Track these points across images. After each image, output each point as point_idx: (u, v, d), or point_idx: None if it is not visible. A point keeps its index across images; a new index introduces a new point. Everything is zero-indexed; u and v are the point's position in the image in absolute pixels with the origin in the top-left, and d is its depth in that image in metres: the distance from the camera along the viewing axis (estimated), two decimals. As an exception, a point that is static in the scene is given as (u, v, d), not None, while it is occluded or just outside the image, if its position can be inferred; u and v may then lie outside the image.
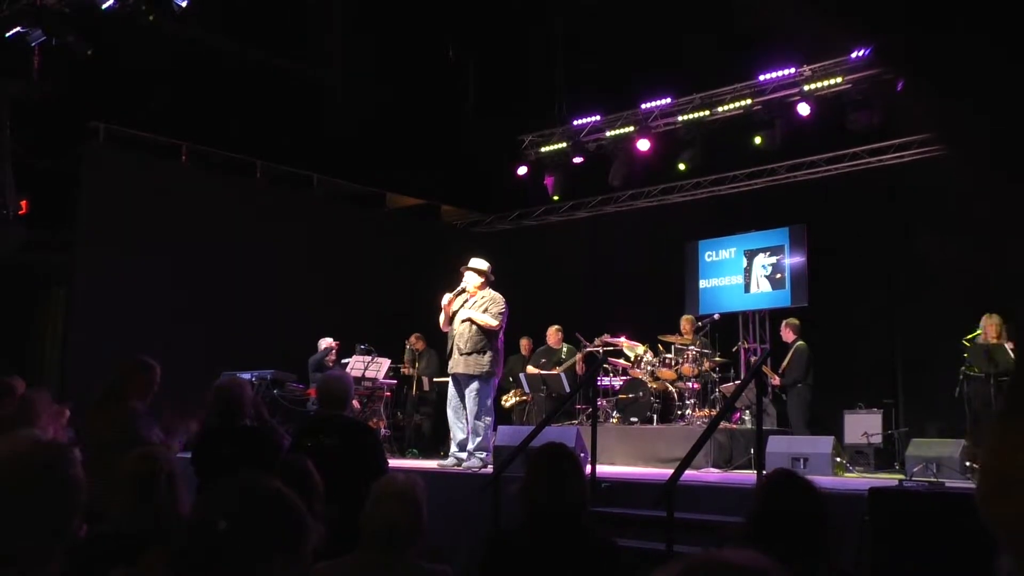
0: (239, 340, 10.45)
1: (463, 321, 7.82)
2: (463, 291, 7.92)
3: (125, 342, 9.98)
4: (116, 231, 10.30)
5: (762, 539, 2.59)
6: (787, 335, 10.03)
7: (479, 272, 7.92)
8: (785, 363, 9.82)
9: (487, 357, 7.74)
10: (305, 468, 3.22)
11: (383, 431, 10.13)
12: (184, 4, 7.82)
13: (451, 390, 8.02)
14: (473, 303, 7.86)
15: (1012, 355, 7.89)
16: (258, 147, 11.63)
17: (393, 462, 9.10)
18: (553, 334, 11.02)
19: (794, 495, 2.68)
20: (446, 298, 7.97)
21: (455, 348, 7.83)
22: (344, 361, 10.24)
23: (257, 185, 12.00)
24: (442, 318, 8.03)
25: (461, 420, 7.92)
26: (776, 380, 9.84)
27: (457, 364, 7.80)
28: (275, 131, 11.24)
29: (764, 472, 6.40)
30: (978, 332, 8.19)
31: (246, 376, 9.50)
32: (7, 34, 8.45)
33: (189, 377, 9.81)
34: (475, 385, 7.74)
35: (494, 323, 7.76)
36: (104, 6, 8.02)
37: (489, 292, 7.94)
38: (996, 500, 1.49)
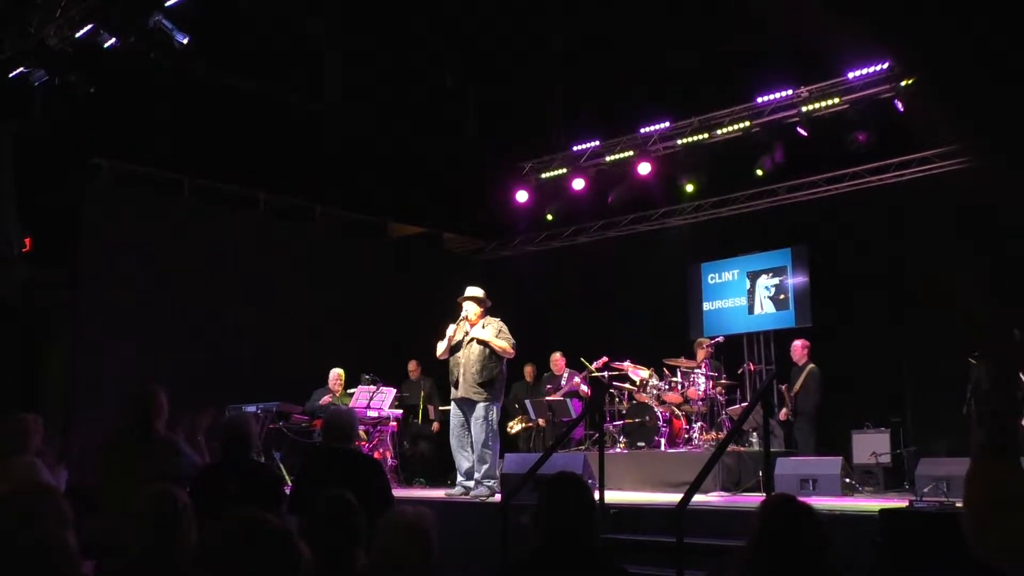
0: (244, 372, 10.44)
1: (472, 343, 7.83)
2: (465, 319, 7.97)
3: (129, 378, 9.98)
4: (119, 267, 10.32)
5: (762, 564, 2.58)
6: (799, 356, 9.96)
7: (477, 300, 8.01)
8: (798, 385, 9.75)
9: (496, 384, 7.79)
10: (349, 502, 3.23)
11: (390, 461, 10.10)
12: (185, 41, 7.88)
13: (454, 418, 8.02)
14: (476, 331, 7.89)
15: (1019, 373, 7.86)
16: (260, 179, 11.68)
17: (400, 492, 9.08)
18: (557, 360, 11.00)
19: (792, 519, 2.66)
20: (451, 328, 8.00)
21: (462, 376, 7.82)
22: (349, 391, 10.22)
23: (259, 217, 12.03)
24: (442, 347, 8.05)
25: (466, 448, 7.91)
26: (784, 415, 9.76)
27: (465, 391, 7.80)
28: (277, 163, 11.28)
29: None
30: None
31: (251, 409, 9.53)
32: (10, 74, 8.52)
33: (195, 409, 9.83)
34: (481, 411, 7.74)
35: (511, 351, 7.84)
36: (106, 44, 8.08)
37: (492, 319, 7.99)
38: (982, 528, 1.58)
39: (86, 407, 9.76)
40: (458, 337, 7.95)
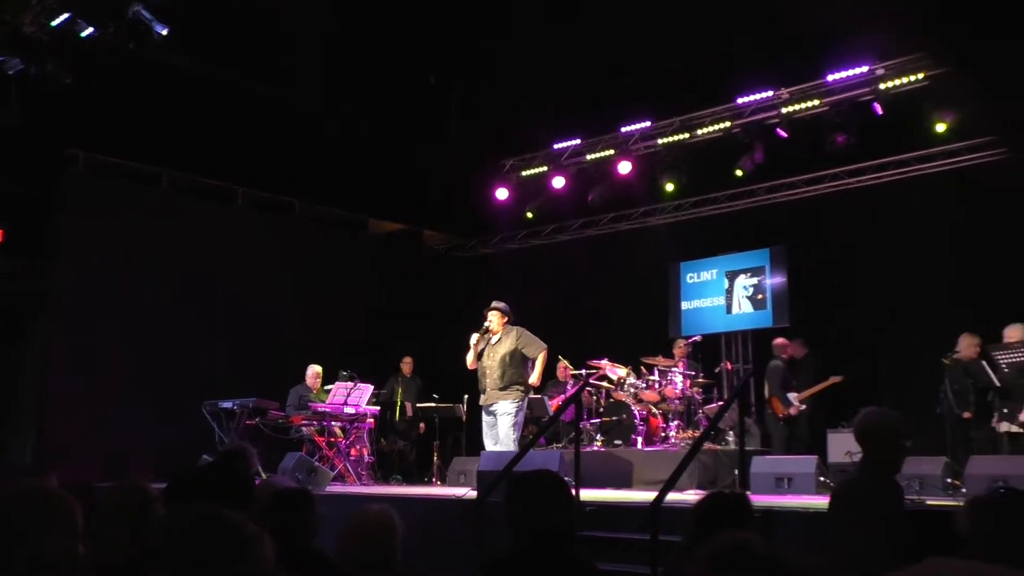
0: (221, 367, 10.38)
1: (494, 351, 8.35)
2: (487, 330, 8.46)
3: (105, 370, 9.91)
4: (96, 258, 10.22)
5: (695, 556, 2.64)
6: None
7: (502, 311, 8.54)
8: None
9: (518, 387, 8.34)
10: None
11: (367, 458, 10.07)
12: (164, 32, 7.82)
13: (486, 420, 8.48)
14: (498, 339, 8.42)
15: (989, 373, 8.00)
16: (238, 173, 11.59)
17: (377, 489, 9.08)
18: (562, 368, 10.92)
19: (722, 513, 2.73)
20: (474, 338, 8.49)
21: (488, 383, 8.36)
22: (327, 387, 10.18)
23: (238, 211, 11.95)
24: (470, 356, 8.55)
25: (494, 447, 8.31)
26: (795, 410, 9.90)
27: (490, 396, 8.35)
28: (256, 157, 11.20)
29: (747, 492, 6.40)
30: (956, 351, 8.33)
31: (227, 404, 9.45)
32: (-15, 63, 8.42)
33: (172, 404, 9.77)
34: (506, 413, 8.24)
35: (543, 345, 8.45)
36: (83, 34, 7.99)
37: (513, 327, 8.50)
38: None
39: (61, 399, 9.68)
40: (481, 346, 8.47)
